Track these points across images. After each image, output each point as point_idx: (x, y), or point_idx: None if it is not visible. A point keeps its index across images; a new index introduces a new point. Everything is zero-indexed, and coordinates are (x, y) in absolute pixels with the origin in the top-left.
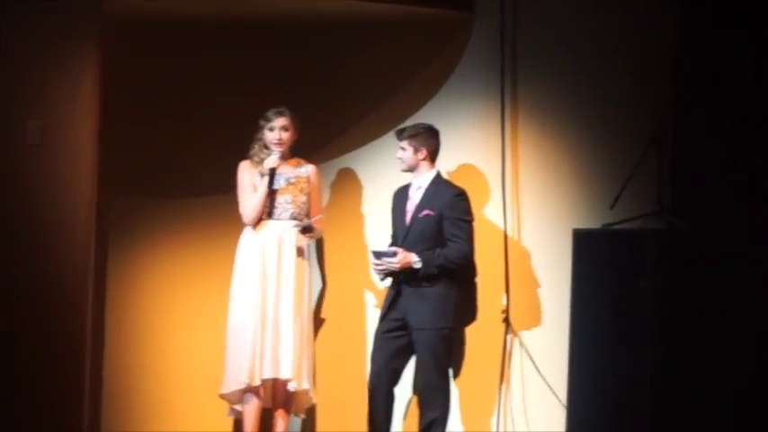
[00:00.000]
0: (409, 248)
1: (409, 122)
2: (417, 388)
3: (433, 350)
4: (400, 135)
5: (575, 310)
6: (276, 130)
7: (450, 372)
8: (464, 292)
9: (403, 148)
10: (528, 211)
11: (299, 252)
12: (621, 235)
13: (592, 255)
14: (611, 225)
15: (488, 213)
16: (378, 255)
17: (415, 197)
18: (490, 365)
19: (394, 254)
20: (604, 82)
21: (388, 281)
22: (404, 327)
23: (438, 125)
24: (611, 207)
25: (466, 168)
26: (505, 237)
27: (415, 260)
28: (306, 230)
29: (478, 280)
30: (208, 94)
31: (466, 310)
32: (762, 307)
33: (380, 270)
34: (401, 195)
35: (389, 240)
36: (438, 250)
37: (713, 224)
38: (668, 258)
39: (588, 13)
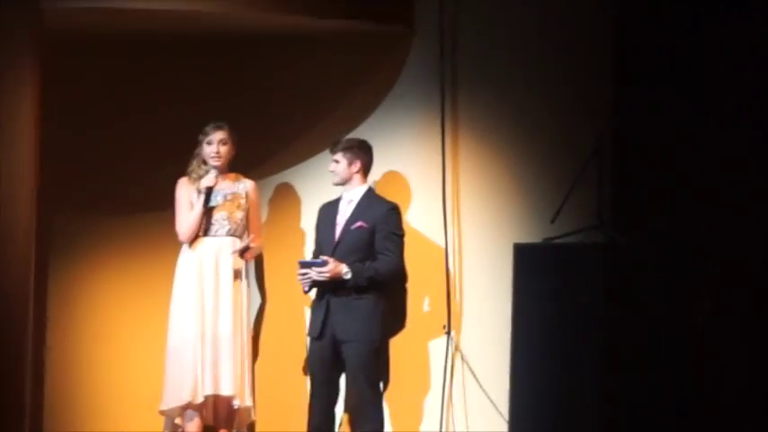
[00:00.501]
0: (339, 260)
1: (350, 137)
2: (348, 404)
3: (362, 363)
4: (334, 148)
5: (516, 324)
6: (214, 144)
7: (380, 385)
8: (392, 304)
9: (336, 161)
10: (469, 224)
11: (237, 274)
12: (562, 249)
13: (533, 268)
14: (551, 239)
15: (429, 227)
16: (305, 264)
17: (346, 210)
18: (431, 380)
19: (324, 263)
20: (544, 95)
21: (313, 292)
22: (335, 340)
23: (378, 139)
24: (552, 221)
25: (407, 182)
26: (446, 251)
27: (345, 270)
28: (243, 252)
29: (419, 295)
30: (148, 109)
31: (394, 320)
32: (702, 319)
33: (305, 280)
34: (329, 209)
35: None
36: (368, 262)
37: (653, 237)
38: (609, 272)
39: (527, 26)
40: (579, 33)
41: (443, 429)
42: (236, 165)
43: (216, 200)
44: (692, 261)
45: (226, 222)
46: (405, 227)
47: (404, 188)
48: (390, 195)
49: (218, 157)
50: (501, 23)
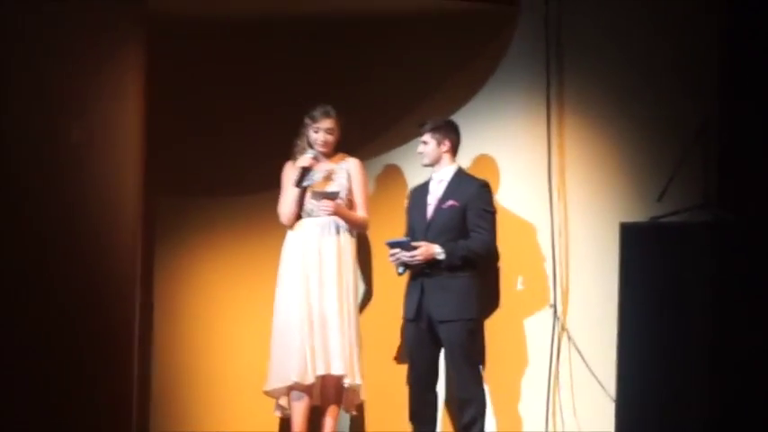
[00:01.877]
0: (431, 240)
1: (455, 119)
2: (449, 385)
3: (460, 342)
4: (422, 129)
5: (623, 304)
6: (321, 132)
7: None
8: (486, 282)
9: (425, 142)
10: (575, 204)
11: (339, 244)
12: (668, 228)
13: (639, 248)
14: (658, 218)
15: (535, 208)
16: (393, 245)
17: (436, 190)
18: (529, 359)
19: (409, 242)
20: (650, 74)
21: (407, 273)
22: (431, 321)
23: (484, 120)
24: (658, 200)
25: (512, 163)
26: (552, 231)
27: (438, 251)
28: (326, 197)
29: (513, 273)
30: (253, 92)
31: (488, 300)
32: None
33: (396, 261)
34: (419, 191)
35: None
36: (461, 241)
37: (759, 215)
38: (716, 251)
39: (634, 6)
40: (686, 15)
41: (549, 409)
42: (343, 145)
43: (314, 179)
44: None
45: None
46: (503, 206)
47: (507, 168)
48: (493, 175)
49: (325, 146)
50: (606, 5)
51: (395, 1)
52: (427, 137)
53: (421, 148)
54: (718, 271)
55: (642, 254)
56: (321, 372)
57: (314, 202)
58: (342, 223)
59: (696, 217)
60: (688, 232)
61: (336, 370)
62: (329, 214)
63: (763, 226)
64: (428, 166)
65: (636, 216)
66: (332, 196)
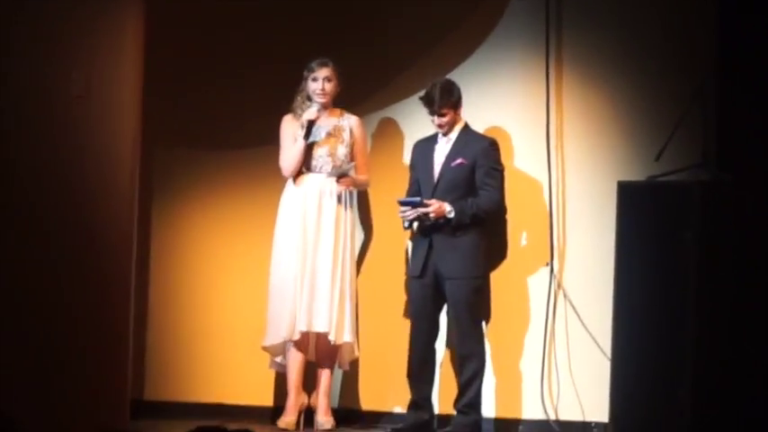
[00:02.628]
0: (440, 198)
1: (453, 76)
2: (451, 340)
3: (465, 300)
4: (439, 109)
5: (619, 263)
6: (320, 81)
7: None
8: (491, 239)
9: (444, 115)
10: (572, 163)
11: (339, 200)
12: (666, 187)
13: (636, 207)
14: (655, 177)
15: (533, 165)
16: (405, 203)
17: (444, 148)
18: (531, 315)
19: (421, 201)
20: (649, 34)
21: (414, 227)
22: (437, 277)
23: (482, 77)
24: (656, 159)
25: (510, 120)
26: (550, 189)
27: (448, 209)
28: (342, 177)
29: (517, 230)
30: (251, 47)
31: (494, 256)
32: None
33: (406, 216)
34: (425, 147)
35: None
36: (470, 199)
37: (758, 175)
38: (713, 210)
39: None
40: None
41: (545, 366)
42: (341, 101)
43: (319, 135)
44: None
45: (329, 159)
46: (505, 163)
47: (506, 125)
48: (492, 132)
49: (324, 94)
50: None
51: None
52: (445, 110)
53: (441, 121)
54: (714, 230)
55: (639, 213)
56: (303, 327)
57: (319, 155)
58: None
59: (694, 176)
60: (685, 191)
61: (318, 327)
62: (347, 189)
63: (760, 185)
64: (448, 134)
65: (633, 175)
66: (348, 172)
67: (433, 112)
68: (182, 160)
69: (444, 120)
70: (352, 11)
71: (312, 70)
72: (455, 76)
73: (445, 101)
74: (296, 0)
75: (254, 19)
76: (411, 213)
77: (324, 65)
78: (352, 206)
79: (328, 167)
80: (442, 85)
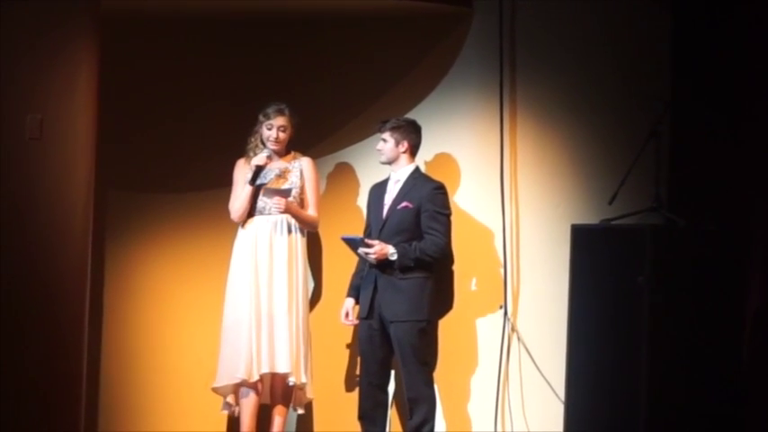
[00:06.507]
0: (385, 240)
1: (399, 116)
2: (399, 384)
3: (410, 343)
4: (383, 127)
5: (573, 305)
6: (274, 129)
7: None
8: (439, 284)
9: (384, 140)
10: (526, 205)
11: (290, 241)
12: (619, 230)
13: (590, 250)
14: (609, 220)
15: (487, 208)
16: (346, 240)
17: (392, 190)
18: (480, 360)
19: (362, 240)
20: (602, 77)
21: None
22: (383, 320)
23: (436, 120)
24: (610, 202)
25: (464, 163)
26: (504, 231)
27: (391, 251)
28: (278, 195)
29: (467, 274)
30: (205, 90)
31: (441, 301)
32: (757, 303)
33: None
34: (378, 190)
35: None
36: (415, 243)
37: (710, 220)
38: (666, 254)
39: (585, 9)
40: (637, 16)
41: (499, 409)
42: (296, 144)
43: (267, 177)
44: (747, 244)
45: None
46: (457, 207)
47: (460, 168)
48: (446, 176)
49: (277, 143)
50: (558, 6)
51: (350, 2)
52: (387, 135)
53: (380, 145)
54: (667, 273)
55: (592, 256)
56: (265, 370)
57: (266, 199)
58: (293, 222)
59: (647, 220)
60: (638, 235)
61: (281, 368)
62: (281, 211)
63: (713, 230)
64: (385, 164)
65: (587, 218)
66: (284, 194)
67: (377, 130)
68: (136, 202)
69: (382, 145)
70: (308, 53)
71: (268, 117)
72: (410, 117)
73: (390, 125)
74: (251, 43)
75: (210, 61)
76: (360, 252)
77: (280, 113)
78: (303, 248)
79: (275, 209)
80: (403, 118)
